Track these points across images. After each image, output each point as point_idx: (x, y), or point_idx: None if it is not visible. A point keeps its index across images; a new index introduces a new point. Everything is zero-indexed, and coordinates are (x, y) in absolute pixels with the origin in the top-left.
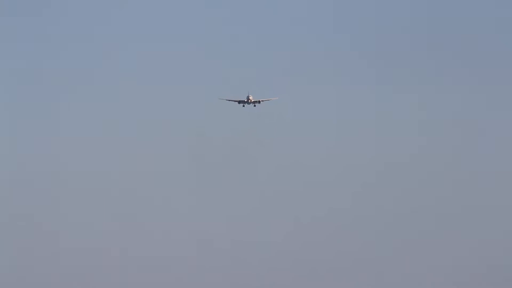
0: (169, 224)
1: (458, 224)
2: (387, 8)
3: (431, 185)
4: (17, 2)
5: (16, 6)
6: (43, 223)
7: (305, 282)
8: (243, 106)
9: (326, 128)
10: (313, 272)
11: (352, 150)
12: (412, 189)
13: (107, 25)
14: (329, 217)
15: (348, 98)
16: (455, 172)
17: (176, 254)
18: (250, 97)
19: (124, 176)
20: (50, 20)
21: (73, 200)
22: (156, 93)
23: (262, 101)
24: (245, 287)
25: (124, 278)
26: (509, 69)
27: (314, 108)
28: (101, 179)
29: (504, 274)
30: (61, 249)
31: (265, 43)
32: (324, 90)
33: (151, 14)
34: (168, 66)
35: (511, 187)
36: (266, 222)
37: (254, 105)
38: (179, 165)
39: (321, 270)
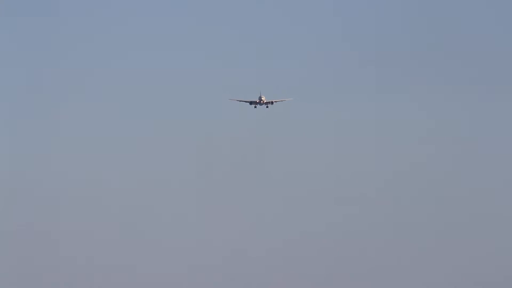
0: (172, 227)
1: (460, 231)
2: (389, 9)
3: (437, 191)
4: (17, 2)
5: (16, 7)
6: (42, 226)
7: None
8: (255, 107)
9: (326, 131)
10: (320, 276)
11: (353, 152)
12: (417, 195)
13: (110, 26)
14: (336, 224)
15: (349, 101)
16: (457, 178)
17: (179, 256)
18: (262, 98)
19: (127, 178)
20: (50, 21)
21: (73, 203)
22: (166, 94)
23: (275, 101)
24: None
25: (127, 280)
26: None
27: (315, 111)
28: (102, 181)
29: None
30: (60, 254)
31: (272, 45)
32: (324, 91)
33: (159, 15)
34: (177, 68)
35: None
36: (275, 226)
37: (267, 106)
38: (187, 167)
39: (330, 275)
